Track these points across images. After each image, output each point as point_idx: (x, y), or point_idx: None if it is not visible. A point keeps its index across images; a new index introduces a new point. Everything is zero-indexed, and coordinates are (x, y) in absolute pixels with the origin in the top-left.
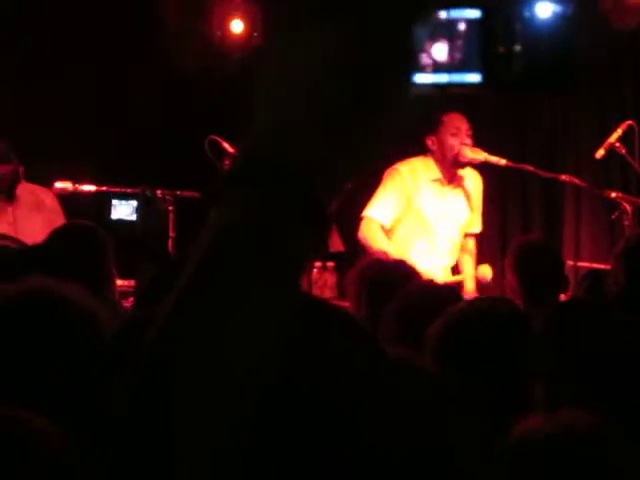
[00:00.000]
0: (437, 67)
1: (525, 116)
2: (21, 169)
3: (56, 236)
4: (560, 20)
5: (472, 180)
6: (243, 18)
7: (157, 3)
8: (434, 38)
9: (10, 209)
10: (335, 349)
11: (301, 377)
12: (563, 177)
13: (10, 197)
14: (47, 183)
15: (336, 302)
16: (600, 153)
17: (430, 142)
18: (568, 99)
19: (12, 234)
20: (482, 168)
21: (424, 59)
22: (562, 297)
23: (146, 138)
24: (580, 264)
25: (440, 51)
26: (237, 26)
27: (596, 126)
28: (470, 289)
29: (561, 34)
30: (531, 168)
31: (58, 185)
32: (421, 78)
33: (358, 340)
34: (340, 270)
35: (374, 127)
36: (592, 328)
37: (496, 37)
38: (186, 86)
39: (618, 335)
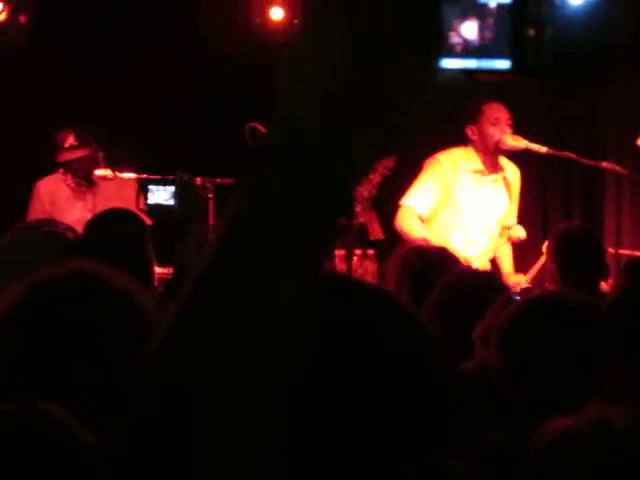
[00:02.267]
0: (467, 48)
1: (565, 103)
2: (101, 154)
3: (97, 223)
4: (591, 6)
5: (512, 173)
6: (283, 5)
7: None
8: (464, 17)
9: (90, 195)
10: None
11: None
12: (604, 164)
13: (89, 183)
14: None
15: None
16: None
17: (470, 132)
18: (608, 85)
19: None
20: (523, 156)
21: (454, 38)
22: (603, 284)
23: (186, 126)
24: (621, 252)
25: (470, 30)
26: (277, 13)
27: (637, 112)
28: (509, 273)
29: (592, 20)
30: (572, 155)
31: (98, 172)
32: (449, 63)
33: (405, 322)
34: (380, 258)
35: (402, 111)
36: None
37: (526, 21)
38: (226, 73)
39: None
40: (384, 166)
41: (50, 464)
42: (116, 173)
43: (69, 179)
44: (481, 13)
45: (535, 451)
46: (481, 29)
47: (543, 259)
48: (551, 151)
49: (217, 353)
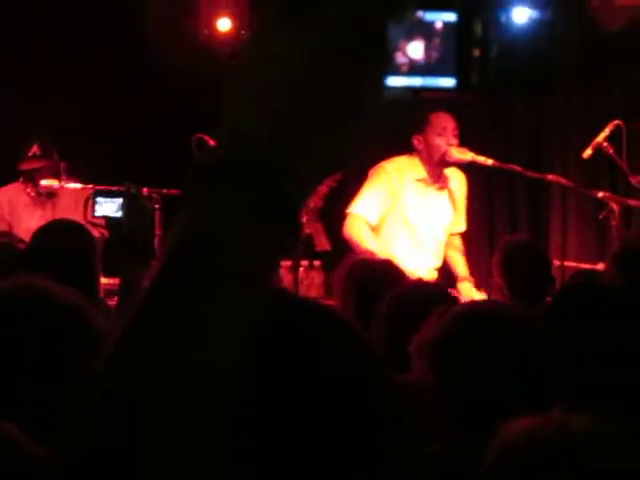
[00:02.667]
0: (413, 67)
1: (511, 116)
2: (62, 165)
3: (44, 234)
4: (536, 25)
5: (457, 180)
6: (231, 16)
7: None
8: (410, 37)
9: (49, 205)
10: (322, 347)
11: (287, 376)
12: (550, 177)
13: (49, 194)
14: (34, 181)
15: (323, 301)
16: (587, 153)
17: (416, 141)
18: (554, 98)
19: None
20: (469, 168)
21: (399, 58)
22: (548, 297)
23: (132, 136)
24: (567, 264)
25: (416, 50)
26: (224, 24)
27: (583, 126)
28: (464, 278)
29: (537, 39)
30: (518, 168)
31: (44, 182)
32: (395, 81)
33: (345, 338)
34: (327, 269)
35: (348, 127)
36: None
37: (472, 41)
38: (173, 84)
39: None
40: (330, 177)
41: None
42: (62, 183)
43: (29, 188)
44: (427, 33)
45: (493, 453)
46: (427, 49)
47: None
48: (497, 163)
49: (165, 364)
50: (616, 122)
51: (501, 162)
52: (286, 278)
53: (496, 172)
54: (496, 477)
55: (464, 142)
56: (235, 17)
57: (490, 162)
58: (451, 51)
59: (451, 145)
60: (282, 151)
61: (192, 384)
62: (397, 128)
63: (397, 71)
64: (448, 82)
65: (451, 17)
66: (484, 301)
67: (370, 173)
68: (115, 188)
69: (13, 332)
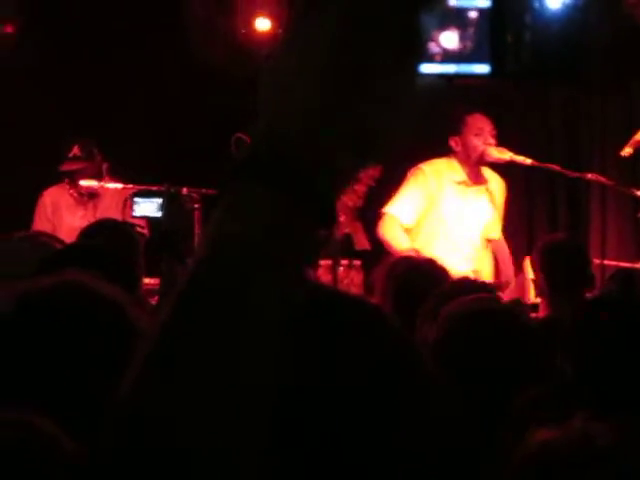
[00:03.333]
0: (446, 56)
1: (550, 114)
2: (105, 166)
3: (91, 233)
4: (570, 11)
5: (497, 184)
6: (269, 15)
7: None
8: (444, 26)
9: (91, 205)
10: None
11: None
12: (589, 176)
13: (91, 194)
14: (74, 181)
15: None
16: (627, 151)
17: (454, 143)
18: (595, 97)
19: None
20: (507, 167)
21: (433, 48)
22: (588, 295)
23: (173, 136)
24: (607, 262)
25: (450, 39)
26: (263, 24)
27: (623, 123)
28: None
29: (570, 25)
30: (557, 167)
31: (84, 183)
32: (428, 68)
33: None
34: (367, 268)
35: (382, 119)
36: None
37: (505, 27)
38: (212, 83)
39: None
40: (369, 176)
41: (37, 476)
42: (102, 184)
43: (72, 189)
44: (461, 22)
45: (518, 461)
46: (462, 38)
47: (522, 276)
48: (536, 163)
49: (202, 378)
50: None
51: (540, 161)
52: (325, 277)
53: (535, 171)
54: None
55: (502, 141)
56: (273, 17)
57: (529, 162)
58: (485, 38)
59: (489, 145)
60: (316, 147)
61: (231, 401)
62: (435, 128)
63: (431, 60)
64: (482, 69)
65: (485, 3)
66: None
67: (408, 175)
68: (155, 188)
69: (56, 327)
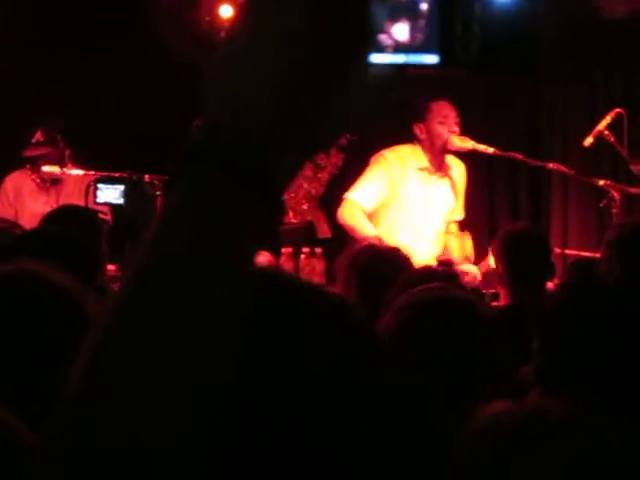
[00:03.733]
0: (398, 48)
1: (512, 104)
2: (67, 152)
3: (53, 219)
4: (519, 2)
5: (457, 169)
6: (232, 2)
7: None
8: (395, 19)
9: (54, 191)
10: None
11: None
12: (550, 165)
13: (53, 180)
14: (37, 167)
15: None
16: (588, 141)
17: (418, 130)
18: (557, 87)
19: None
20: (469, 156)
21: (385, 40)
22: (549, 285)
23: (134, 123)
24: (568, 252)
25: (401, 31)
26: (226, 11)
27: (584, 114)
28: (459, 260)
29: (520, 16)
30: (519, 156)
31: (46, 169)
32: (378, 58)
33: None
34: (328, 256)
35: (332, 108)
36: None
37: (454, 18)
38: (175, 70)
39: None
40: (332, 164)
41: None
42: (64, 170)
43: (34, 174)
44: (412, 14)
45: (467, 436)
46: (412, 30)
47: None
48: (498, 152)
49: (149, 368)
50: (617, 110)
51: (502, 150)
52: (287, 265)
53: (497, 160)
54: (469, 463)
55: (465, 129)
56: (236, 3)
57: (491, 150)
58: (435, 29)
59: (453, 133)
60: (264, 133)
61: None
62: (395, 115)
63: (382, 50)
64: (431, 59)
65: None
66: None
67: (371, 161)
68: (117, 175)
69: (8, 316)
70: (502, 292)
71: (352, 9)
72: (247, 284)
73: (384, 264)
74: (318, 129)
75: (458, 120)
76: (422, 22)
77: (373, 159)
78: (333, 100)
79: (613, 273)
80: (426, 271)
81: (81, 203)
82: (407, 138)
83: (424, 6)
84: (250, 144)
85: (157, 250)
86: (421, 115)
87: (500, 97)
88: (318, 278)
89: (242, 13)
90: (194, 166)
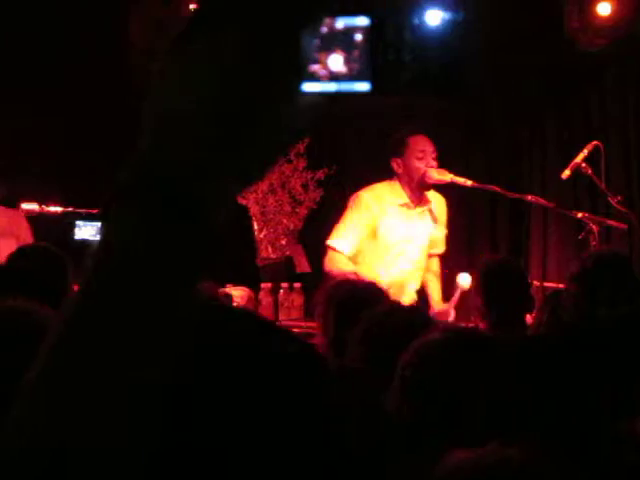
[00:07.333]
0: (333, 77)
1: (491, 136)
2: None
3: (17, 258)
4: (449, 26)
5: (437, 202)
6: None
7: (123, 23)
8: (330, 49)
9: None
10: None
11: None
12: (529, 197)
13: None
14: (13, 204)
15: (303, 323)
16: (566, 173)
17: (395, 165)
18: (535, 121)
19: None
20: (448, 189)
21: (320, 70)
22: (528, 318)
23: (111, 159)
24: (547, 284)
25: (336, 62)
26: None
27: (562, 146)
28: (438, 304)
29: (450, 40)
30: (497, 189)
31: (25, 206)
32: (309, 87)
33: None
34: (307, 291)
35: (264, 138)
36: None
37: (386, 46)
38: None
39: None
40: (310, 199)
41: None
42: (43, 207)
43: None
44: (347, 45)
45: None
46: (347, 61)
47: (459, 290)
48: (476, 184)
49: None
50: (594, 142)
51: (480, 183)
52: (266, 300)
53: (476, 192)
54: None
55: (443, 163)
56: None
57: (469, 183)
58: (368, 58)
59: (431, 167)
60: (189, 164)
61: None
62: (375, 151)
63: (316, 80)
64: (363, 87)
65: (364, 21)
66: (459, 327)
67: (349, 203)
68: (95, 211)
69: None
70: (481, 325)
71: (282, 42)
72: (188, 314)
73: (360, 298)
74: (247, 159)
75: (435, 154)
76: (356, 52)
77: (351, 200)
78: (261, 130)
79: (578, 307)
80: (391, 307)
81: (10, 242)
82: (385, 173)
83: (359, 37)
84: (174, 176)
85: (91, 291)
86: (398, 150)
87: (480, 132)
88: (297, 313)
89: (174, 47)
90: (121, 202)
